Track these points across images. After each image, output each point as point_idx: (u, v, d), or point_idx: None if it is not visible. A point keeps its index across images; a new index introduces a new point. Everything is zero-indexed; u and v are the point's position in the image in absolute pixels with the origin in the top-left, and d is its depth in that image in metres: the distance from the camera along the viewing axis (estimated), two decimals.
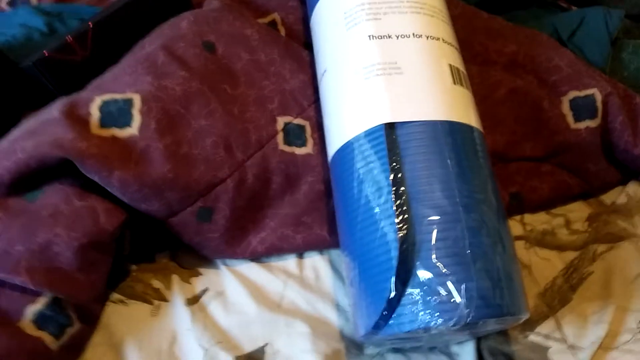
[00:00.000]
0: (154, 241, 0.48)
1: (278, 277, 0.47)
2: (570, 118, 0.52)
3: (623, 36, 0.61)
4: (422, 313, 0.33)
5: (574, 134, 0.51)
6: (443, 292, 0.33)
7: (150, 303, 0.45)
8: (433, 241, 0.35)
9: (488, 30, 0.58)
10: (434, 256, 0.34)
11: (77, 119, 0.41)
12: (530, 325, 0.44)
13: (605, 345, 0.43)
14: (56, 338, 0.38)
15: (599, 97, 0.51)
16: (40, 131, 0.40)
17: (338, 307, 0.45)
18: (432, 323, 0.33)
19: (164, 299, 0.45)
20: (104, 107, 0.42)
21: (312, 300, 0.45)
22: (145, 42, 0.49)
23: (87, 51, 0.47)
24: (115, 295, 0.45)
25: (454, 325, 0.33)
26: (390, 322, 0.34)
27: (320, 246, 0.47)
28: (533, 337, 0.43)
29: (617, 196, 0.54)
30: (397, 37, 0.42)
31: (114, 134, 0.41)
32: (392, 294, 0.34)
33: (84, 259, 0.39)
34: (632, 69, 0.59)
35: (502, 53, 0.57)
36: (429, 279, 0.34)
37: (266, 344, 0.43)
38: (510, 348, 0.43)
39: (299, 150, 0.48)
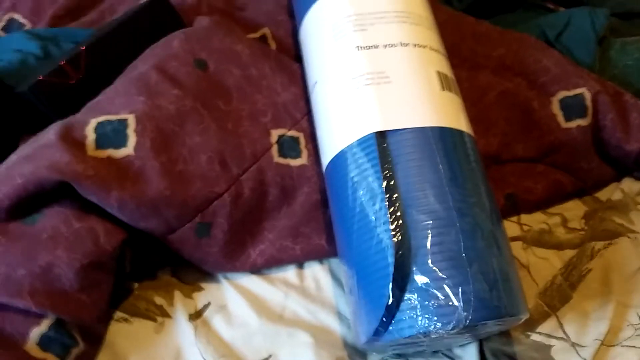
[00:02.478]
0: (155, 258, 0.48)
1: (279, 289, 0.47)
2: (560, 118, 0.53)
3: (610, 35, 0.62)
4: (420, 318, 0.34)
5: (565, 133, 0.52)
6: (440, 296, 0.34)
7: (153, 320, 0.45)
8: (428, 246, 0.35)
9: (476, 35, 0.59)
10: (429, 261, 0.35)
11: (72, 141, 0.41)
12: (531, 325, 0.44)
13: (608, 341, 0.43)
14: (61, 359, 0.38)
15: (588, 96, 0.52)
16: (37, 156, 0.40)
17: (340, 315, 0.45)
18: (431, 327, 0.33)
19: (167, 315, 0.45)
20: (99, 129, 0.43)
21: (313, 310, 0.46)
22: (138, 62, 0.50)
23: (81, 74, 0.48)
24: (119, 314, 0.45)
25: (453, 328, 0.33)
26: (390, 328, 0.35)
27: (319, 255, 0.48)
28: (535, 337, 0.44)
29: (612, 193, 0.54)
30: (385, 47, 0.43)
31: (109, 154, 0.42)
32: (390, 300, 0.35)
33: (86, 279, 0.39)
34: (620, 67, 0.59)
35: (491, 57, 0.57)
36: (426, 283, 0.34)
37: (270, 356, 0.43)
38: (512, 349, 0.43)
39: (294, 162, 0.49)
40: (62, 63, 0.48)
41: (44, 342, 0.38)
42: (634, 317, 0.44)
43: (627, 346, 0.43)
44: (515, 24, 0.65)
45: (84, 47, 0.49)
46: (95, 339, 0.42)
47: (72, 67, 0.48)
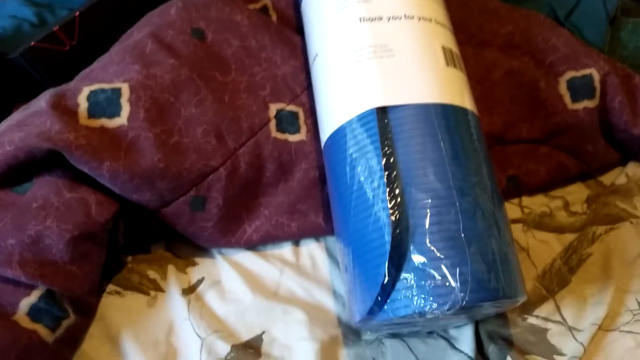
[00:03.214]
0: (149, 232, 0.48)
1: (274, 265, 0.46)
2: (567, 98, 0.51)
3: (621, 15, 0.60)
4: (416, 298, 0.33)
5: (571, 114, 0.51)
6: (437, 276, 0.33)
7: (146, 294, 0.45)
8: (427, 225, 0.34)
9: (483, 11, 0.57)
10: (427, 240, 0.34)
11: (64, 110, 0.40)
12: (529, 308, 0.44)
13: (605, 326, 0.42)
14: (52, 330, 0.38)
15: (596, 77, 0.51)
16: (28, 123, 0.39)
17: (335, 293, 0.45)
18: (427, 308, 0.33)
19: (160, 289, 0.45)
20: (92, 97, 0.42)
21: (308, 288, 0.45)
22: (134, 30, 0.48)
23: (74, 40, 0.47)
24: (111, 287, 0.45)
25: (449, 309, 0.33)
26: (385, 307, 0.34)
27: (315, 233, 0.47)
28: (532, 320, 0.43)
29: (616, 177, 0.54)
30: (389, 19, 0.41)
31: (102, 124, 0.41)
32: (386, 279, 0.34)
33: (76, 250, 0.39)
34: (631, 48, 0.58)
35: (498, 34, 0.56)
36: (423, 263, 0.33)
37: (263, 332, 0.43)
38: (509, 331, 0.43)
39: (292, 137, 0.48)
40: (56, 29, 0.46)
41: (34, 313, 0.37)
42: (632, 303, 0.44)
43: (624, 331, 0.42)
44: (524, 1, 0.63)
45: (78, 13, 0.48)
46: (87, 311, 0.42)
47: (65, 34, 0.46)
